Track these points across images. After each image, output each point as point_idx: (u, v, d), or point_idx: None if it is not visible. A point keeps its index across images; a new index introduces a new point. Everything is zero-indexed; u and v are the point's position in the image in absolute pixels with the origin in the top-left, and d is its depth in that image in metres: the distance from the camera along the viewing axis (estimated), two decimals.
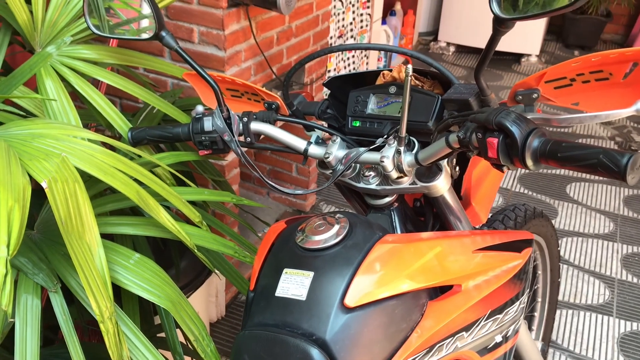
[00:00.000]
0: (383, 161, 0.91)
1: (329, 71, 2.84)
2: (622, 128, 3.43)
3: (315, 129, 1.07)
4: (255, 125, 1.08)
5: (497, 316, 0.95)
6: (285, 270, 0.84)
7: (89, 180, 1.05)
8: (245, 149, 1.11)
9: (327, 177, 1.04)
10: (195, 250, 0.98)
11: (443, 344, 0.86)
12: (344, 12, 2.83)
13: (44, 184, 0.79)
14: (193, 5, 1.61)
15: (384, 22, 3.64)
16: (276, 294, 0.83)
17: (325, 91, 2.46)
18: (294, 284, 0.82)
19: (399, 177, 0.93)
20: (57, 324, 0.87)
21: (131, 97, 1.84)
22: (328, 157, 0.99)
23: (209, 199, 1.18)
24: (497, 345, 0.98)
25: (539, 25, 4.10)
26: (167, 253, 1.48)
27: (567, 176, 2.92)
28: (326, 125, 1.12)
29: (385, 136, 0.97)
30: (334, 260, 0.82)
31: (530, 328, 1.66)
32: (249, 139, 1.09)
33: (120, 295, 1.06)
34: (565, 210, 2.67)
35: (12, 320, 0.80)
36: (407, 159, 0.90)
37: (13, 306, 0.81)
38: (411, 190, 0.95)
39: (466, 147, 0.81)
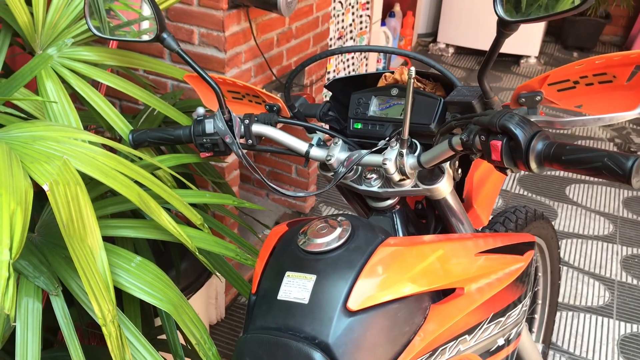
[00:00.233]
0: (385, 163, 0.90)
1: (329, 72, 2.84)
2: (621, 129, 3.43)
3: (317, 131, 1.07)
4: (257, 128, 1.07)
5: (500, 319, 0.94)
6: (287, 273, 0.84)
7: (90, 182, 1.05)
8: (247, 151, 1.10)
9: (329, 180, 1.03)
10: (197, 253, 0.98)
11: (446, 348, 0.86)
12: (343, 14, 2.83)
13: (45, 187, 0.79)
14: (193, 7, 1.61)
15: (383, 23, 3.64)
16: (278, 297, 0.82)
17: (325, 92, 2.46)
18: (296, 287, 0.82)
19: (401, 180, 0.93)
20: (57, 326, 0.86)
21: (131, 99, 1.83)
22: (330, 160, 0.99)
23: (210, 201, 1.17)
24: (500, 348, 0.98)
25: (538, 27, 4.11)
26: (167, 255, 1.48)
27: (567, 178, 2.93)
28: (328, 128, 1.12)
29: (388, 138, 0.97)
30: (337, 263, 0.82)
31: (530, 330, 1.66)
32: (250, 141, 1.09)
33: (121, 297, 1.05)
34: (565, 212, 2.67)
35: (13, 324, 0.80)
36: (409, 161, 0.90)
37: (14, 310, 0.80)
38: (413, 193, 0.95)
39: (469, 149, 0.81)
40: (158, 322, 1.37)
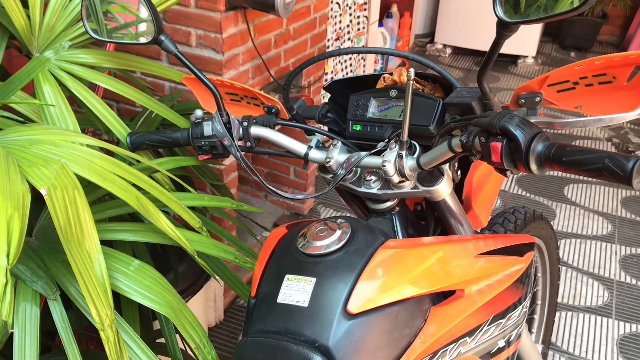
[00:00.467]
0: (385, 165, 0.90)
1: (326, 74, 2.83)
2: (619, 129, 3.44)
3: (316, 133, 1.06)
4: (255, 130, 1.07)
5: (500, 321, 0.94)
6: (286, 276, 0.84)
7: (87, 186, 1.04)
8: (245, 153, 1.10)
9: (328, 181, 1.03)
10: (196, 257, 0.97)
11: (446, 350, 0.86)
12: (341, 15, 2.83)
13: (43, 191, 0.78)
14: (191, 9, 1.60)
15: (380, 24, 3.64)
16: (278, 301, 0.82)
17: (324, 94, 2.46)
18: (295, 290, 0.82)
19: (400, 182, 0.92)
20: (54, 329, 0.86)
21: (128, 101, 1.83)
22: (329, 162, 0.98)
23: (209, 204, 1.17)
24: (500, 350, 0.97)
25: (535, 27, 4.11)
26: (165, 258, 1.47)
27: (565, 178, 2.93)
28: (326, 129, 1.11)
29: (387, 140, 0.97)
30: (336, 265, 0.82)
31: (530, 331, 1.66)
32: (249, 144, 1.08)
33: (119, 301, 1.05)
34: (563, 212, 2.67)
35: (11, 330, 0.79)
36: (408, 163, 0.90)
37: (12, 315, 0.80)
38: (413, 195, 0.94)
39: (469, 151, 0.81)
40: (157, 325, 1.36)
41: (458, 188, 1.09)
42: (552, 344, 1.98)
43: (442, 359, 0.86)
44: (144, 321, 1.26)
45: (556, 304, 1.70)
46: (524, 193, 2.80)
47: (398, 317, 0.81)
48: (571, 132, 3.36)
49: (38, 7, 1.11)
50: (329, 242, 0.84)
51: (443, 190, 0.93)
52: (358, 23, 3.05)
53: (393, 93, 1.02)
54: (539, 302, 1.64)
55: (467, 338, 0.88)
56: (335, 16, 2.78)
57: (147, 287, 0.91)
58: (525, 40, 4.16)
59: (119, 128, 1.14)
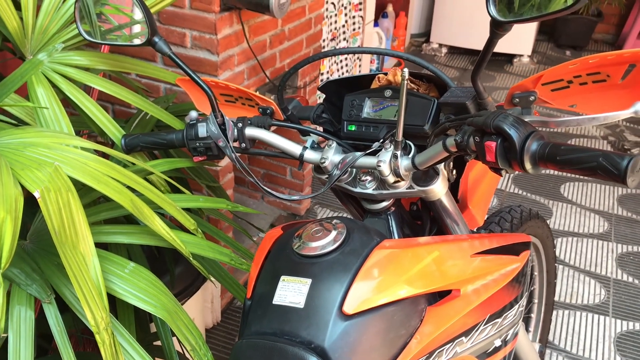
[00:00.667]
0: (380, 165, 0.90)
1: (322, 74, 2.83)
2: (615, 127, 3.44)
3: (311, 134, 1.06)
4: (250, 131, 1.07)
5: (496, 320, 0.94)
6: (282, 277, 0.83)
7: (82, 188, 1.04)
8: (240, 154, 1.10)
9: (323, 182, 1.03)
10: (191, 259, 0.97)
11: (443, 350, 0.86)
12: (336, 15, 2.83)
13: (36, 194, 0.78)
14: (185, 10, 1.60)
15: (376, 24, 3.64)
16: (274, 302, 0.82)
17: (320, 94, 2.45)
18: (291, 292, 0.81)
19: (395, 182, 0.92)
20: (50, 332, 0.85)
21: (124, 103, 1.82)
22: (324, 162, 0.98)
23: (204, 206, 1.16)
24: (497, 349, 0.97)
25: (530, 26, 4.11)
26: (161, 260, 1.47)
27: (561, 176, 2.93)
28: (321, 130, 1.11)
29: (382, 140, 0.97)
30: (332, 266, 0.82)
31: (527, 329, 1.66)
32: (243, 145, 1.08)
33: (115, 304, 1.05)
34: (560, 211, 2.67)
35: (4, 335, 0.79)
36: (404, 163, 0.90)
37: (6, 319, 0.79)
38: (408, 195, 0.94)
39: (464, 150, 0.81)
40: (154, 328, 1.36)
41: (454, 188, 1.09)
42: (550, 343, 1.98)
43: (438, 359, 0.85)
44: (141, 324, 1.26)
45: (553, 302, 1.71)
46: (520, 192, 2.80)
47: (394, 318, 0.80)
48: (567, 131, 3.37)
49: (31, 9, 1.10)
50: (324, 243, 0.84)
51: (438, 190, 0.93)
52: (353, 23, 3.05)
53: (388, 93, 1.02)
54: (536, 300, 1.64)
55: (463, 338, 0.88)
56: (331, 16, 2.78)
57: (142, 289, 0.91)
58: (521, 39, 4.16)
59: (113, 130, 1.14)
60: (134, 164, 1.11)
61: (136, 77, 1.75)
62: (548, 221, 2.59)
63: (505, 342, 0.99)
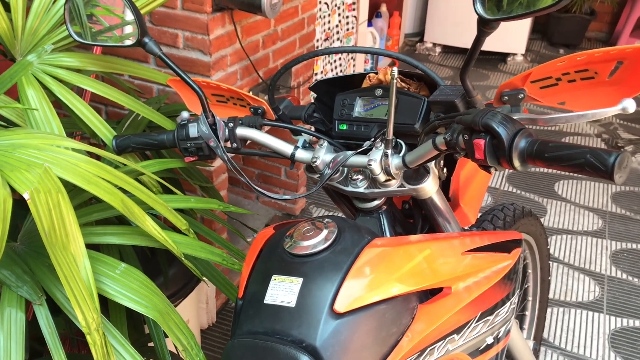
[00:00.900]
0: (370, 164, 0.90)
1: (316, 74, 2.83)
2: (608, 125, 3.45)
3: (302, 133, 1.06)
4: (241, 131, 1.07)
5: (488, 317, 0.94)
6: (273, 277, 0.84)
7: (73, 190, 1.04)
8: (232, 154, 1.10)
9: (315, 181, 1.03)
10: (183, 259, 0.97)
11: (434, 347, 0.86)
12: (329, 15, 2.83)
13: (26, 195, 0.78)
14: (177, 11, 1.60)
15: (369, 24, 3.64)
16: (265, 301, 0.82)
17: (313, 94, 2.45)
18: (282, 291, 0.81)
19: (386, 180, 0.93)
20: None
21: (116, 104, 1.82)
22: (315, 162, 0.98)
23: (195, 206, 1.16)
24: (489, 346, 0.98)
25: (524, 25, 4.12)
26: (155, 261, 1.47)
27: (556, 174, 2.94)
28: (313, 129, 1.11)
29: (372, 139, 0.97)
30: (323, 265, 0.82)
31: (521, 327, 1.66)
32: (235, 145, 1.08)
33: (107, 305, 1.04)
34: (554, 208, 2.68)
35: None
36: (394, 161, 0.90)
37: None
38: (399, 193, 0.94)
39: (453, 149, 0.81)
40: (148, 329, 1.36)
41: (445, 186, 1.09)
42: (544, 340, 1.99)
43: (430, 357, 0.86)
44: (135, 325, 1.26)
45: (547, 300, 1.71)
46: (514, 190, 2.81)
47: (385, 316, 0.81)
48: (561, 129, 3.37)
49: (20, 10, 1.10)
50: (315, 242, 0.84)
51: (429, 188, 0.93)
52: (347, 23, 3.05)
53: (378, 92, 1.02)
54: (530, 298, 1.64)
55: (455, 335, 0.89)
56: (324, 16, 2.78)
57: (134, 290, 0.90)
58: (515, 38, 4.17)
59: (105, 131, 1.14)
60: (125, 164, 1.11)
61: (130, 78, 1.75)
62: (542, 219, 2.60)
63: (497, 340, 0.99)
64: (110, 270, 0.91)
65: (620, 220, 2.61)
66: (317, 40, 2.75)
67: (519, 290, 1.04)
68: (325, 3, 2.75)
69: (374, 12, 3.80)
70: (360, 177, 0.97)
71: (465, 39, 4.25)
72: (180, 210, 1.18)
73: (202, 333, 1.98)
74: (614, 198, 2.77)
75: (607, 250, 2.42)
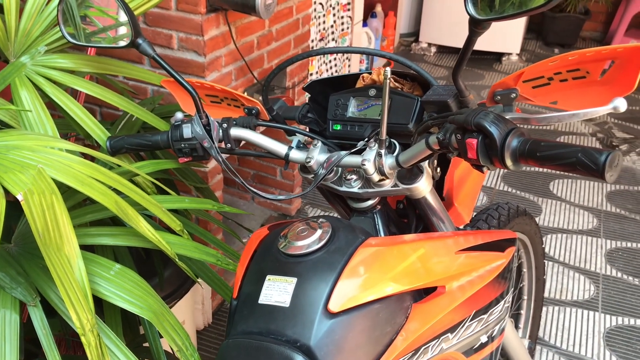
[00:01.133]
0: (364, 164, 0.90)
1: (311, 74, 2.84)
2: (603, 124, 3.47)
3: (296, 134, 1.06)
4: (235, 131, 1.07)
5: (482, 316, 0.95)
6: (268, 277, 0.84)
7: (67, 191, 1.04)
8: (226, 155, 1.10)
9: (310, 182, 1.03)
10: (177, 260, 0.97)
11: (428, 346, 0.86)
12: (324, 15, 2.83)
13: (19, 197, 0.78)
14: (171, 12, 1.60)
15: (365, 24, 3.65)
16: (259, 301, 0.82)
17: (308, 94, 2.46)
18: (277, 291, 0.82)
19: (380, 180, 0.93)
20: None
21: (111, 106, 1.82)
22: (309, 162, 0.98)
23: (189, 207, 1.16)
24: (483, 345, 0.98)
25: (519, 24, 4.14)
26: (150, 262, 1.47)
27: (551, 173, 2.95)
28: (307, 130, 1.11)
29: (366, 139, 0.97)
30: (317, 265, 0.82)
31: (517, 326, 1.67)
32: (229, 145, 1.08)
33: (102, 306, 1.04)
34: (549, 207, 2.69)
35: None
36: (388, 161, 0.90)
37: None
38: (393, 193, 0.95)
39: (446, 148, 0.81)
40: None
41: (439, 185, 1.09)
42: (540, 339, 1.99)
43: (424, 356, 0.86)
44: (131, 326, 1.26)
45: (542, 298, 1.72)
46: (509, 189, 2.81)
47: (379, 315, 0.81)
48: (556, 128, 3.39)
49: (14, 11, 1.10)
50: (309, 242, 0.84)
51: (423, 187, 0.94)
52: (342, 23, 3.06)
53: (372, 92, 1.02)
54: (525, 297, 1.65)
55: (449, 334, 0.89)
56: (319, 17, 2.78)
57: (128, 291, 0.90)
58: (509, 38, 4.19)
59: (99, 132, 1.14)
60: (119, 165, 1.11)
61: (123, 80, 1.75)
62: (537, 218, 2.60)
63: (491, 338, 1.00)
64: (104, 271, 0.91)
65: (615, 219, 2.62)
66: (312, 41, 2.75)
67: (513, 289, 1.05)
68: (320, 3, 2.75)
69: (369, 12, 3.80)
70: (354, 177, 0.98)
71: (460, 39, 4.23)
72: (175, 211, 1.18)
73: (198, 334, 1.98)
74: (609, 197, 2.78)
75: (602, 249, 2.43)
